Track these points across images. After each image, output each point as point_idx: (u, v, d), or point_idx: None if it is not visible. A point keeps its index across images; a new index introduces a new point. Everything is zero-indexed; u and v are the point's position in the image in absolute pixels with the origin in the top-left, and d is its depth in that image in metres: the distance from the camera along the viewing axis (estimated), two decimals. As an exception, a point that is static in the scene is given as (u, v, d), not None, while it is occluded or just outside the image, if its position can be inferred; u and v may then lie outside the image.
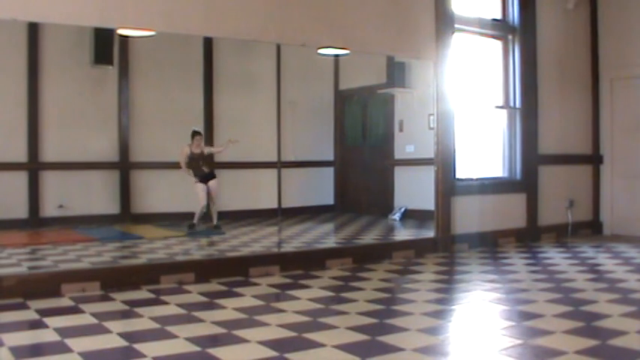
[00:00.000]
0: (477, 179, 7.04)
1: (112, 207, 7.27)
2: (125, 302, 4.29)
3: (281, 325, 3.73)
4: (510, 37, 7.37)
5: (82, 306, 4.16)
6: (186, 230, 6.99)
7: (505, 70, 7.39)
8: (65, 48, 6.91)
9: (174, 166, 7.27)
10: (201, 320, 3.86)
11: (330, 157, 9.06)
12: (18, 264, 5.39)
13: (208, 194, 7.22)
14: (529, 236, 7.27)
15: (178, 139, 7.38)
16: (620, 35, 7.67)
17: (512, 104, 7.36)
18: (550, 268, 5.59)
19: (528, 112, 7.28)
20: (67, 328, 3.63)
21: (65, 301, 4.30)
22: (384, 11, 6.15)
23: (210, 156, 7.42)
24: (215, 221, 7.25)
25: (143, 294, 4.55)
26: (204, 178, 7.26)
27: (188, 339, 3.45)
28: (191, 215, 7.24)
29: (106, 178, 7.37)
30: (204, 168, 7.28)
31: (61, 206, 6.86)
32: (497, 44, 7.42)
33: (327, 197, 8.91)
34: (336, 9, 5.85)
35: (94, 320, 3.83)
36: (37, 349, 3.39)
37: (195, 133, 7.32)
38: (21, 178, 6.82)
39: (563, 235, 7.56)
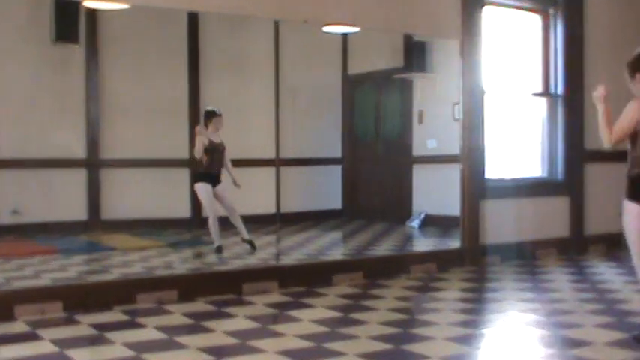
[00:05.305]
0: (510, 180, 7.03)
1: (78, 212, 7.25)
2: (93, 326, 4.27)
3: (279, 352, 3.70)
4: (552, 10, 7.33)
5: (40, 331, 4.13)
6: (217, 254, 6.54)
7: (545, 50, 7.36)
8: (19, 23, 6.88)
9: (154, 163, 7.25)
10: (184, 346, 3.84)
11: (338, 153, 9.03)
12: (-36, 281, 5.39)
13: (222, 203, 6.65)
14: (574, 247, 7.23)
15: (158, 132, 7.35)
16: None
17: (553, 91, 7.33)
18: (599, 286, 5.56)
19: (573, 100, 7.23)
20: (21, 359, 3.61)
21: (19, 326, 4.27)
22: (401, -19, 6.15)
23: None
24: (246, 234, 6.72)
25: (115, 315, 4.54)
26: (213, 180, 6.68)
27: (168, 369, 3.44)
28: (174, 222, 7.24)
29: (71, 178, 7.34)
30: (216, 167, 6.65)
31: (16, 212, 6.82)
32: (536, 19, 7.39)
33: (334, 201, 8.90)
34: (344, -21, 5.83)
35: (54, 348, 3.80)
36: (-14, 383, 3.37)
37: (211, 114, 6.66)
38: (-34, 180, 6.84)
39: (616, 246, 7.48)
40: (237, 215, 6.72)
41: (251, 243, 6.74)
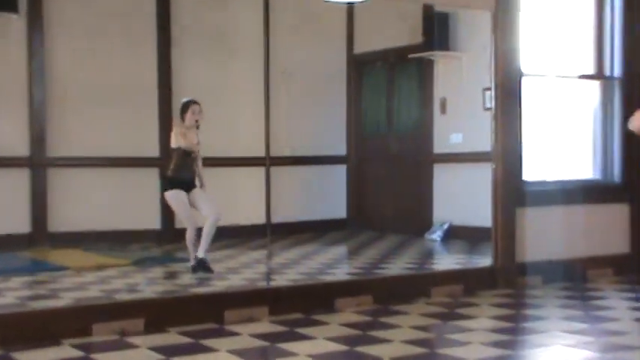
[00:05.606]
0: (555, 182, 7.02)
1: (18, 223, 7.26)
2: (37, 364, 4.23)
3: (268, 396, 3.69)
4: (607, -25, 7.34)
5: (-31, 373, 4.12)
6: (194, 272, 6.48)
7: (599, 24, 7.34)
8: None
9: (114, 163, 7.21)
10: (150, 389, 3.83)
11: (342, 150, 9.07)
12: None
13: (203, 208, 6.56)
14: (634, 267, 7.21)
15: (119, 125, 7.32)
16: None
17: (608, 73, 7.33)
18: (667, 314, 5.57)
19: (633, 84, 7.21)
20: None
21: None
22: (420, -63, 6.16)
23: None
24: (202, 252, 6.51)
25: (65, 352, 4.49)
26: (186, 186, 6.58)
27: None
28: (141, 235, 7.19)
29: (11, 180, 7.35)
30: (187, 171, 6.58)
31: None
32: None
33: (338, 208, 8.93)
34: None
35: (-12, 393, 3.80)
36: None
37: (187, 103, 6.55)
38: None
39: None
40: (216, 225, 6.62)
41: (204, 263, 6.55)
